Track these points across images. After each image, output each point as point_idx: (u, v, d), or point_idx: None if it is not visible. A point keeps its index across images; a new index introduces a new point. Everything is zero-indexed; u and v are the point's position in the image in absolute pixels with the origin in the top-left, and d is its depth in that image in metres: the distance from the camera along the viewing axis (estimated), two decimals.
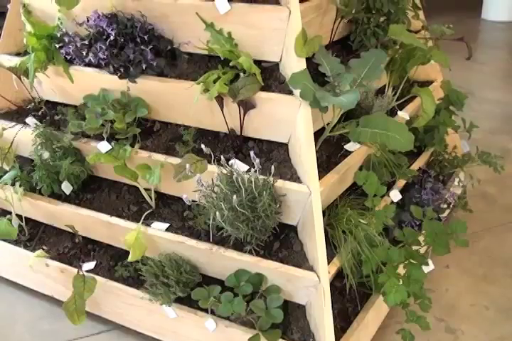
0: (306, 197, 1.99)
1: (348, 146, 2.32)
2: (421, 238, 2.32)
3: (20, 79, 2.65)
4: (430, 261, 2.30)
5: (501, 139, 4.20)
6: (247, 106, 2.13)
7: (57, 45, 2.47)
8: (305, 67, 2.03)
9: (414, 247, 2.29)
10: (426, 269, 2.25)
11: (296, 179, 2.07)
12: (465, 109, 3.08)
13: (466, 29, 6.70)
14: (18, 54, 2.76)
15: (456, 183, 2.97)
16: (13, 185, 2.58)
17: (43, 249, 2.53)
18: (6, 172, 2.64)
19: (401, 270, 2.17)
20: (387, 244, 2.18)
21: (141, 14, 2.30)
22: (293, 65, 2.05)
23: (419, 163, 2.90)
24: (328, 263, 2.02)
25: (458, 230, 2.29)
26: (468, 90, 4.22)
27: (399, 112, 2.65)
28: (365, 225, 2.14)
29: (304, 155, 2.01)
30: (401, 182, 2.63)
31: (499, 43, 6.68)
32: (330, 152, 2.30)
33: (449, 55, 2.69)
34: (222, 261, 2.14)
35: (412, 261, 2.20)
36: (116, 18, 2.31)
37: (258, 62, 2.18)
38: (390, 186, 2.55)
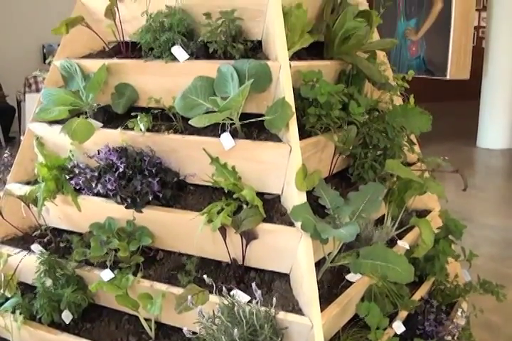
0: (308, 329, 1.98)
1: (349, 277, 2.33)
2: None
3: (28, 206, 2.72)
4: None
5: (502, 265, 4.21)
6: (249, 236, 2.18)
7: (67, 176, 2.57)
8: (305, 200, 2.11)
9: None
10: None
11: (298, 310, 2.07)
12: (464, 235, 3.12)
13: (463, 157, 6.94)
14: (28, 182, 2.85)
15: (459, 314, 2.94)
16: (13, 312, 2.56)
17: None
18: (7, 299, 2.63)
19: None
20: None
21: (150, 149, 2.43)
22: (294, 197, 2.13)
23: (421, 292, 2.89)
24: None
25: None
26: (467, 216, 4.30)
27: (398, 242, 2.69)
28: None
29: (306, 286, 2.03)
30: (404, 313, 2.61)
31: (495, 170, 6.88)
32: (331, 282, 2.31)
33: (447, 181, 2.79)
34: None
35: None
36: (126, 151, 2.44)
37: (260, 194, 2.26)
38: (392, 316, 2.53)
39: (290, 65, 2.25)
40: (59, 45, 2.84)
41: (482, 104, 7.91)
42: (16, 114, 8.59)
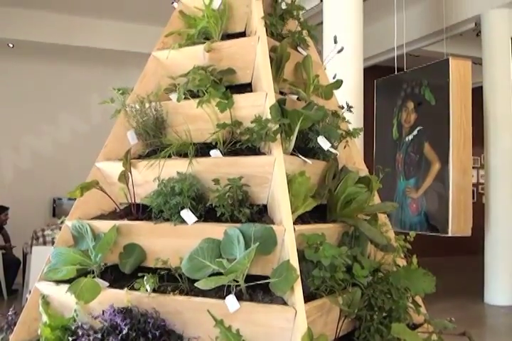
0: None
1: None
2: None
3: None
4: None
5: None
6: None
7: (70, 338, 2.54)
8: None
9: None
10: None
11: None
12: None
13: (471, 314, 6.78)
14: None
15: None
16: None
17: None
18: None
19: None
20: None
21: (155, 310, 2.43)
22: None
23: None
24: None
25: None
26: None
27: None
28: None
29: None
30: None
31: (505, 328, 6.68)
32: None
33: None
34: None
35: None
36: (130, 313, 2.43)
37: None
38: None
39: (294, 229, 2.34)
40: (68, 199, 2.98)
41: (486, 259, 7.90)
42: (21, 266, 8.59)
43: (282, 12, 2.99)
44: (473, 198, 6.80)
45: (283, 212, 2.37)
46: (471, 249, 10.10)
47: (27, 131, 9.25)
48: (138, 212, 2.79)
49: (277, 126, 2.51)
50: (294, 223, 2.38)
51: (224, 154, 2.64)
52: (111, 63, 9.32)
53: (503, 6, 7.40)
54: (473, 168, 7.46)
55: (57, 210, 9.23)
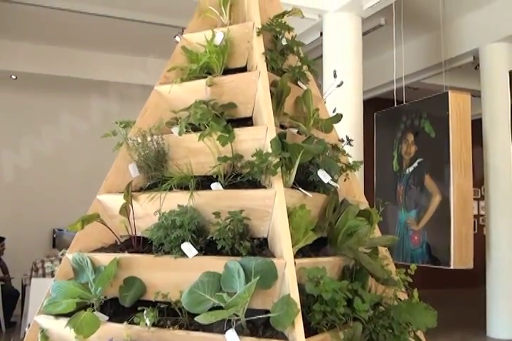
0: None
1: None
2: None
3: None
4: None
5: None
6: None
7: None
8: None
9: None
10: None
11: None
12: None
13: None
14: None
15: None
16: None
17: None
18: None
19: None
20: None
21: None
22: None
23: None
24: None
25: None
26: None
27: None
28: None
29: None
30: None
31: None
32: None
33: None
34: None
35: None
36: None
37: None
38: None
39: (295, 262, 2.33)
40: (67, 230, 2.97)
41: (489, 292, 7.81)
42: (20, 298, 8.50)
43: (283, 48, 3.04)
44: (474, 230, 6.78)
45: (283, 246, 2.37)
46: (473, 282, 10.00)
47: (27, 142, 9.29)
48: (138, 244, 2.79)
49: (278, 159, 2.53)
50: (295, 256, 2.38)
51: (225, 187, 2.66)
52: (112, 95, 9.42)
53: (500, 40, 7.50)
54: (473, 199, 7.44)
55: (58, 241, 9.18)
